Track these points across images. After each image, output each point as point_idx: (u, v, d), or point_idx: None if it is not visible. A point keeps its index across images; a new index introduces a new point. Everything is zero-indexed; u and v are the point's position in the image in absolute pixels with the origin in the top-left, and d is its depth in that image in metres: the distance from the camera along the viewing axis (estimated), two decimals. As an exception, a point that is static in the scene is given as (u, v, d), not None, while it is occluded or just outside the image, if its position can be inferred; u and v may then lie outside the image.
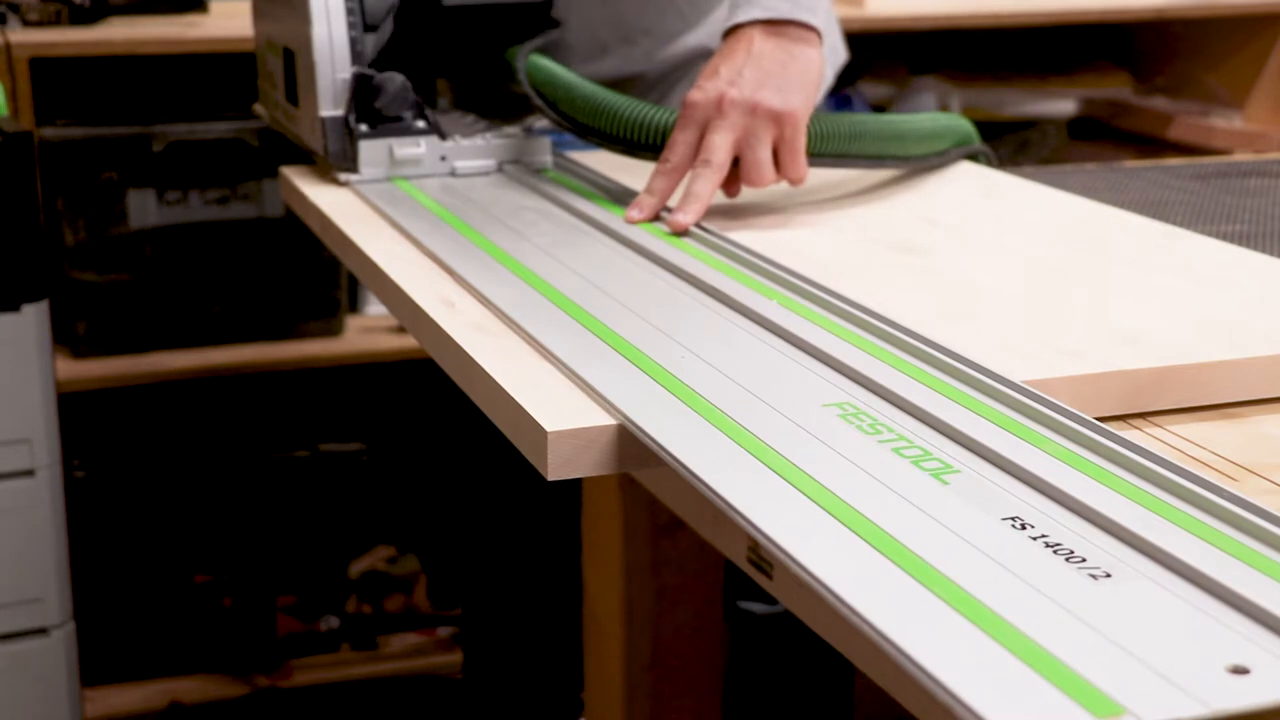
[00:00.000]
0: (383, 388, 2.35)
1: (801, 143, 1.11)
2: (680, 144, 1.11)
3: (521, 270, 0.96)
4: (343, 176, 1.22)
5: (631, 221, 1.09)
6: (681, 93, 1.45)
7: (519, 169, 1.26)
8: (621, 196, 1.14)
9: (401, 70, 1.24)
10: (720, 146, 1.09)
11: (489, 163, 1.26)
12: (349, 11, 1.23)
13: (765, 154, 1.10)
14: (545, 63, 1.26)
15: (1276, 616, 0.52)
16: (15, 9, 2.00)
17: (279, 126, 1.40)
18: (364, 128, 1.22)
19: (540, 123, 1.37)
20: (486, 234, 1.05)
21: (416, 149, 1.22)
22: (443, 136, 1.24)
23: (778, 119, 1.09)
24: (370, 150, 1.22)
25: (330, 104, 1.23)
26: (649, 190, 1.11)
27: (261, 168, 2.04)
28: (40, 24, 1.99)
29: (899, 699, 0.53)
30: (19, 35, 1.93)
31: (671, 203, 1.10)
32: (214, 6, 2.18)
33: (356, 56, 1.23)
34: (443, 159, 1.24)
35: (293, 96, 1.30)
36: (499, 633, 1.68)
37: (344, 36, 1.22)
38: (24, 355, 1.61)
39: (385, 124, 1.23)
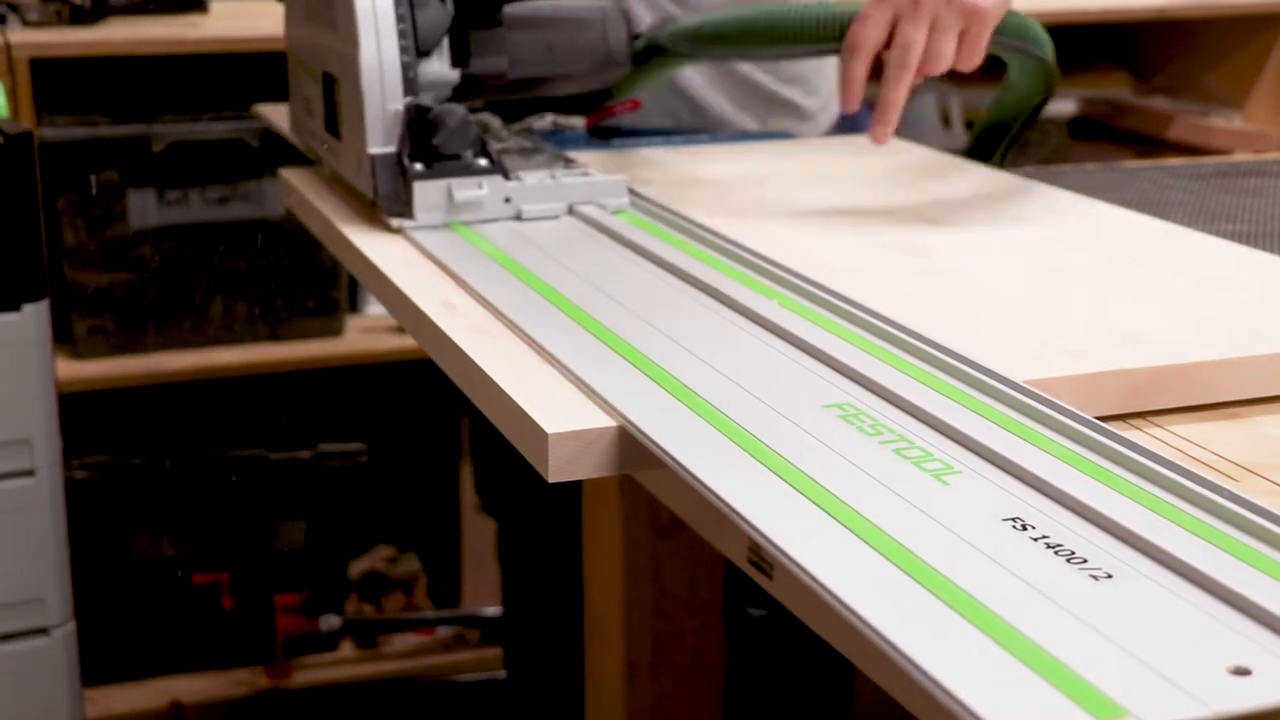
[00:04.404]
0: (383, 388, 2.35)
1: (985, 40, 1.11)
2: (874, 21, 1.09)
3: (521, 271, 0.96)
4: (395, 222, 1.07)
5: (849, 110, 1.12)
6: None
7: (595, 211, 1.11)
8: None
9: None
10: (916, 43, 1.08)
11: (558, 205, 1.11)
12: (400, 35, 1.08)
13: (950, 45, 1.09)
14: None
15: (1278, 617, 0.52)
16: (15, 9, 2.00)
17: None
18: (419, 167, 1.07)
19: (540, 123, 1.37)
20: (486, 235, 1.05)
21: (478, 190, 1.08)
22: (506, 175, 1.10)
23: (969, 13, 1.08)
24: (426, 192, 1.07)
25: (380, 139, 1.08)
26: (850, 78, 1.10)
27: (261, 168, 2.04)
28: (40, 24, 1.99)
29: (900, 700, 0.53)
30: (19, 35, 1.92)
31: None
32: (214, 6, 2.18)
33: (408, 85, 1.08)
34: (507, 201, 1.09)
35: (333, 127, 1.16)
36: (539, 633, 1.68)
37: (395, 62, 1.07)
38: (24, 355, 1.60)
39: (442, 162, 1.08)
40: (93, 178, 1.99)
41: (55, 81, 2.08)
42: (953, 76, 1.17)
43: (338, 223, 1.12)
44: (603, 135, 1.40)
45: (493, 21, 1.13)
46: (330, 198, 1.20)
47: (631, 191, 1.15)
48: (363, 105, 1.07)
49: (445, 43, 1.11)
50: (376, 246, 1.05)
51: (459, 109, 1.07)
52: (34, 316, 1.61)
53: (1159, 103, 2.55)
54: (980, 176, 1.30)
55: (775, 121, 1.49)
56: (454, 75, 1.13)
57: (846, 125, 1.56)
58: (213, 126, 2.03)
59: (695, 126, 1.46)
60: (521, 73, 1.15)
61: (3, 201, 1.58)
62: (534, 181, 1.10)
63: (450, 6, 1.11)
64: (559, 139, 1.35)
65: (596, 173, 1.14)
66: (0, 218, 1.58)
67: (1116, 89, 2.60)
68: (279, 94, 1.60)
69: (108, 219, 2.01)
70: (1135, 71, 2.65)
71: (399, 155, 1.08)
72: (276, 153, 1.98)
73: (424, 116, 1.07)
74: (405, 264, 1.00)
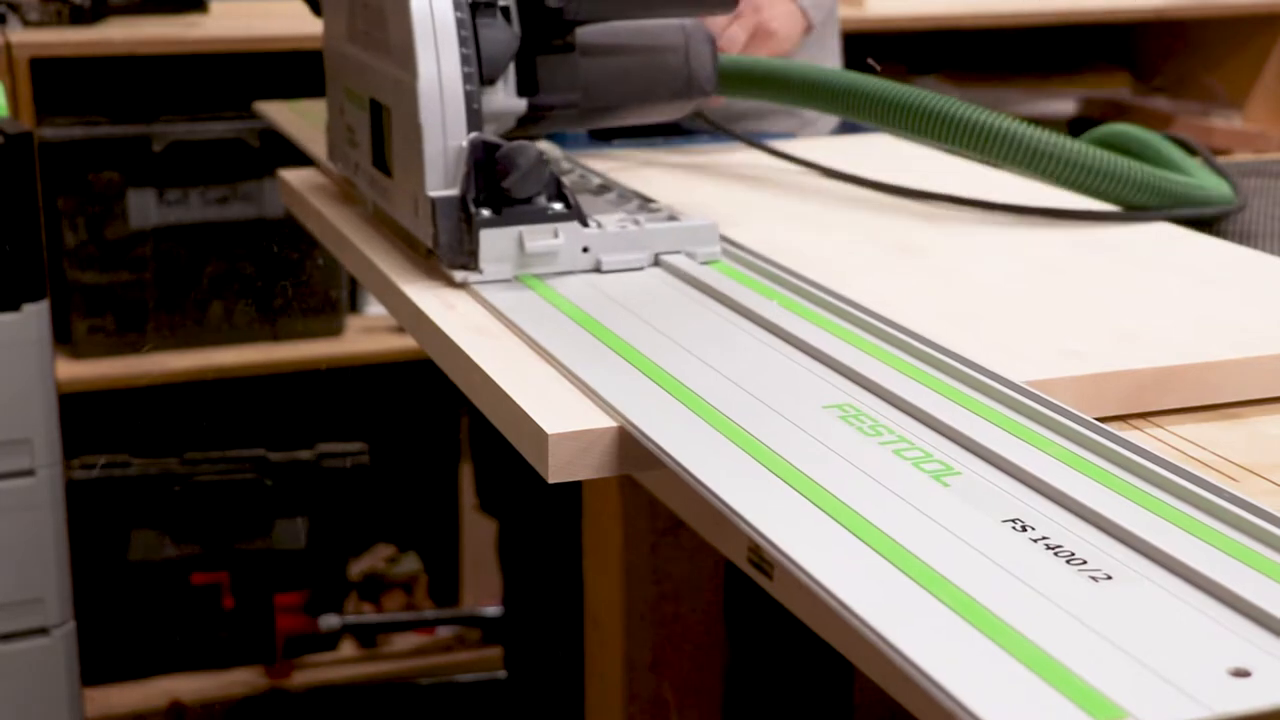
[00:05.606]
0: (383, 388, 2.35)
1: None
2: None
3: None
4: (459, 276, 0.94)
5: None
6: None
7: (684, 262, 0.98)
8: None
9: None
10: None
11: (642, 255, 0.98)
12: (464, 60, 0.94)
13: None
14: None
15: (1278, 618, 0.52)
16: (15, 9, 2.00)
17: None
18: (486, 213, 0.94)
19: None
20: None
21: (554, 240, 0.95)
22: (585, 222, 0.96)
23: None
24: (495, 242, 0.94)
25: (441, 180, 0.94)
26: None
27: (261, 168, 2.04)
28: (40, 24, 1.99)
29: (900, 701, 0.53)
30: (19, 35, 1.93)
31: None
32: (214, 6, 2.18)
33: (472, 117, 0.94)
34: (585, 250, 0.96)
35: (383, 163, 1.03)
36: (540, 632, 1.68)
37: (458, 90, 0.94)
38: (24, 355, 1.61)
39: (513, 207, 0.95)
40: (93, 177, 2.00)
41: (55, 81, 2.08)
42: (953, 76, 1.15)
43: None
44: (603, 136, 1.40)
45: (565, 46, 1.01)
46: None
47: (724, 239, 1.02)
48: (421, 140, 0.94)
49: (511, 69, 0.99)
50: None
51: (532, 147, 0.94)
52: (34, 316, 1.61)
53: (1159, 103, 2.55)
54: (980, 177, 1.30)
55: (777, 123, 1.49)
56: (520, 105, 1.00)
57: (847, 127, 1.56)
58: (213, 126, 2.03)
59: (695, 128, 1.46)
60: (594, 102, 1.03)
61: (3, 201, 1.58)
62: (615, 228, 0.97)
63: (517, 28, 0.98)
64: (559, 139, 1.35)
65: (683, 216, 1.01)
66: (0, 218, 1.58)
67: (1116, 89, 2.60)
68: (279, 94, 1.60)
69: (108, 219, 2.01)
70: (1135, 71, 2.65)
71: (463, 199, 0.94)
72: (276, 153, 1.98)
73: (492, 155, 0.94)
74: (403, 262, 1.00)
